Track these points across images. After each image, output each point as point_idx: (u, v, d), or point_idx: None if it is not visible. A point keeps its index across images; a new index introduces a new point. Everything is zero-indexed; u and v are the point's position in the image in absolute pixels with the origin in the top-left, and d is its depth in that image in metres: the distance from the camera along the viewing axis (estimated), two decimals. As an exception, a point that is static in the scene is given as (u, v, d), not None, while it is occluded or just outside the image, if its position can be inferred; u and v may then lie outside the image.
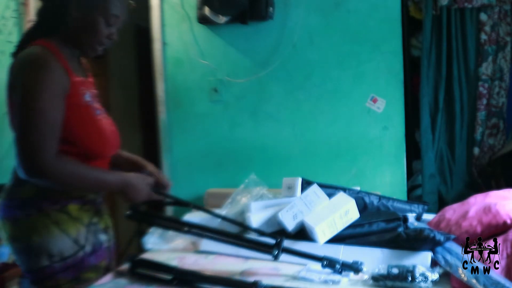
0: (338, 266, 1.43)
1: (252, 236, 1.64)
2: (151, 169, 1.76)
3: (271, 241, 1.53)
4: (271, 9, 2.70)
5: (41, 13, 1.60)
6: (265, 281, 1.38)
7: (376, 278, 1.38)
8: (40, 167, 1.44)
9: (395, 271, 1.36)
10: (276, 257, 1.50)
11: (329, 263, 1.44)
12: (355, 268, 1.43)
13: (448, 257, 1.41)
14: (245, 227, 1.72)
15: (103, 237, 1.66)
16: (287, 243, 1.56)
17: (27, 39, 1.57)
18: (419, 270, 1.35)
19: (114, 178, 1.57)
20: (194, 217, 1.96)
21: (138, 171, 1.71)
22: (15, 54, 1.56)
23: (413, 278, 1.33)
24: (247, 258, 1.65)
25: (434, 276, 1.35)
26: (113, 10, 1.55)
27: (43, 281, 1.54)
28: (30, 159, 1.44)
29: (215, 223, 1.81)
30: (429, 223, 1.74)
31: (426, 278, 1.33)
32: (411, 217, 1.76)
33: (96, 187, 1.61)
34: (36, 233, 1.52)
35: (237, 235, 1.64)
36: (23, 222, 1.54)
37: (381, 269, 1.39)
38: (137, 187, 1.58)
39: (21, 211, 1.54)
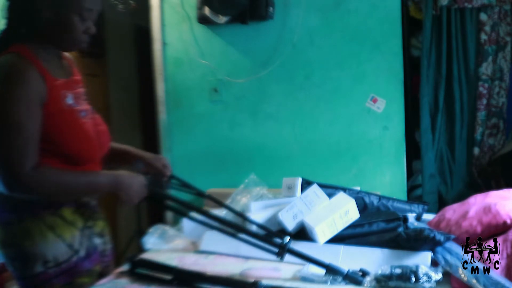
0: (340, 278, 1.41)
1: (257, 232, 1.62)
2: (147, 157, 1.73)
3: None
4: (271, 9, 2.70)
5: (10, 16, 1.54)
6: (265, 281, 1.38)
7: (378, 280, 1.37)
8: (20, 183, 1.41)
9: (398, 271, 1.35)
10: (281, 258, 1.48)
11: (333, 271, 1.42)
12: (357, 281, 1.40)
13: (448, 257, 1.41)
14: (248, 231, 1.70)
15: (97, 241, 1.64)
16: (287, 243, 1.55)
17: (1, 47, 1.51)
18: (423, 270, 1.34)
19: (104, 180, 1.52)
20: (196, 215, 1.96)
21: (130, 163, 1.68)
22: None
23: (417, 279, 1.32)
24: (247, 258, 1.66)
25: (437, 276, 1.34)
26: (86, 4, 1.49)
27: (37, 287, 1.50)
28: (9, 175, 1.41)
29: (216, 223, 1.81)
30: (429, 223, 1.74)
31: (429, 278, 1.33)
32: (411, 217, 1.77)
33: (86, 192, 1.55)
34: (30, 238, 1.49)
35: (245, 229, 1.61)
36: (16, 226, 1.50)
37: (384, 269, 1.38)
38: (131, 185, 1.52)
39: (13, 215, 1.50)
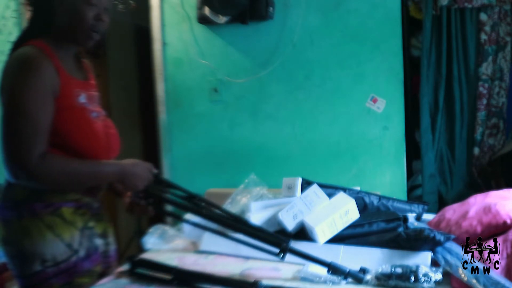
0: (342, 276, 1.41)
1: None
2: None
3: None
4: (271, 9, 2.70)
5: (32, 13, 1.58)
6: (265, 281, 1.38)
7: (379, 278, 1.37)
8: (26, 170, 1.42)
9: (398, 270, 1.35)
10: (282, 257, 1.48)
11: (335, 270, 1.43)
12: (358, 278, 1.41)
13: (448, 257, 1.41)
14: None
15: (98, 242, 1.64)
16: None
17: (21, 41, 1.55)
18: (422, 270, 1.34)
19: (110, 169, 1.53)
20: (194, 217, 1.96)
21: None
22: (8, 55, 1.54)
23: (416, 279, 1.33)
24: (247, 258, 1.66)
25: (437, 276, 1.34)
26: None
27: (35, 286, 1.51)
28: (16, 162, 1.43)
29: (214, 224, 1.81)
30: (429, 223, 1.74)
31: (429, 278, 1.33)
32: (411, 217, 1.76)
33: (92, 181, 1.56)
34: (29, 237, 1.49)
35: (245, 228, 1.61)
36: (15, 225, 1.51)
37: (384, 268, 1.39)
38: (136, 174, 1.53)
39: (13, 213, 1.51)
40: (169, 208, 2.01)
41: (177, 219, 1.72)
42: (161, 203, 1.66)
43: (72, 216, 1.56)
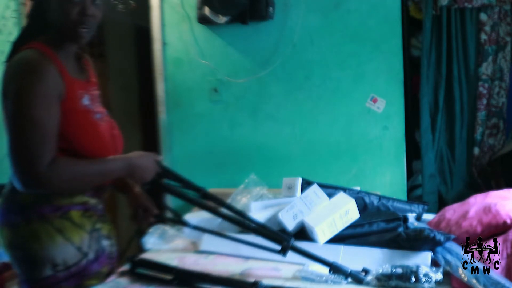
0: (344, 276, 1.41)
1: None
2: (136, 192, 1.74)
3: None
4: (271, 9, 2.70)
5: (29, 14, 1.56)
6: (265, 281, 1.38)
7: (379, 279, 1.37)
8: (36, 179, 1.39)
9: (399, 270, 1.36)
10: (284, 254, 1.47)
11: (336, 270, 1.43)
12: (359, 279, 1.41)
13: (448, 257, 1.41)
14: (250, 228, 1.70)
15: (105, 243, 1.63)
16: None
17: (20, 43, 1.53)
18: (423, 270, 1.34)
19: (117, 165, 1.52)
20: (194, 217, 1.97)
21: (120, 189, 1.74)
22: (8, 59, 1.51)
23: (417, 279, 1.33)
24: (247, 258, 1.66)
25: (438, 276, 1.34)
26: None
27: None
28: (24, 171, 1.40)
29: (215, 223, 1.81)
30: (429, 223, 1.75)
31: (430, 278, 1.33)
32: (411, 217, 1.77)
33: (101, 179, 1.54)
34: (38, 241, 1.47)
35: (248, 224, 1.60)
36: (23, 229, 1.49)
37: (385, 268, 1.39)
38: (143, 166, 1.53)
39: (20, 217, 1.49)
40: (171, 204, 2.03)
41: (177, 224, 1.72)
42: (167, 193, 1.66)
43: (81, 219, 1.55)
